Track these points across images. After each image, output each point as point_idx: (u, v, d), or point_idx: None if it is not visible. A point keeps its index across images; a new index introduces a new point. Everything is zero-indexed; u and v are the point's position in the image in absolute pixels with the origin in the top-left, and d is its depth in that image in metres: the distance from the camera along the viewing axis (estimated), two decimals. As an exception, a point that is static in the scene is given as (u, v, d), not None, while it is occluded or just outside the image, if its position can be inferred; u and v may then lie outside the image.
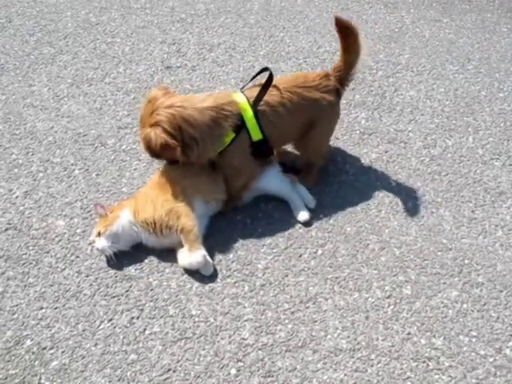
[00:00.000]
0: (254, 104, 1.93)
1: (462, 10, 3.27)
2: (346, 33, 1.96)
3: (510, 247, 2.04)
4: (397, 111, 2.56)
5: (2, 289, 1.88)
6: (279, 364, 1.71)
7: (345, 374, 1.69)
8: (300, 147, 2.19)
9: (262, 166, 2.10)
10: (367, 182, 2.25)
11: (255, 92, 1.96)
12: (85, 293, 1.87)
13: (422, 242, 2.04)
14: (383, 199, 2.18)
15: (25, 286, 1.89)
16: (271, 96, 1.96)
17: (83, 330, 1.78)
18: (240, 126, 1.91)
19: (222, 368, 1.70)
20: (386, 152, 2.37)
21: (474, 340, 1.78)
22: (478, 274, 1.96)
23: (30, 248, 2.00)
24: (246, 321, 1.81)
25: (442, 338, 1.78)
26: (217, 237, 2.02)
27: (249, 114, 1.92)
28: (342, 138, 2.42)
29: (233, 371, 1.69)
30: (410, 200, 2.19)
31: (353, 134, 2.45)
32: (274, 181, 2.12)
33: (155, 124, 1.83)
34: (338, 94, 2.07)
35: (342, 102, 2.49)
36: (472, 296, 1.89)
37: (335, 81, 2.05)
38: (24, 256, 1.97)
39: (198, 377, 1.68)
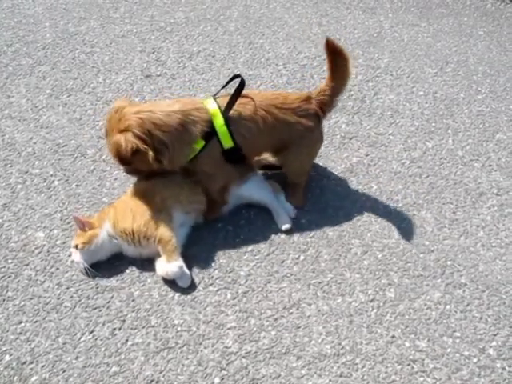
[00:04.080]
0: (225, 111, 1.88)
1: (439, 14, 3.31)
2: (336, 57, 1.92)
3: (491, 247, 2.06)
4: (377, 115, 2.58)
5: (-21, 304, 1.85)
6: (263, 371, 1.69)
7: (329, 380, 1.68)
8: (282, 167, 2.13)
9: (243, 173, 2.10)
10: (348, 186, 2.25)
11: (226, 100, 1.91)
12: (65, 305, 1.84)
13: (404, 245, 2.05)
14: (365, 203, 2.19)
15: (3, 300, 1.86)
16: (245, 109, 1.90)
17: (64, 343, 1.75)
18: (210, 134, 1.87)
19: (205, 377, 1.68)
20: (367, 155, 2.38)
21: (457, 341, 1.78)
22: (460, 275, 1.96)
23: (9, 261, 1.96)
24: (229, 329, 1.79)
25: (426, 340, 1.78)
26: (199, 245, 2.01)
27: (219, 121, 1.87)
28: (323, 142, 2.42)
29: (216, 380, 1.67)
30: (392, 203, 2.19)
31: (333, 138, 2.45)
32: (256, 189, 2.11)
33: (125, 130, 1.79)
34: (318, 118, 2.00)
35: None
36: (455, 297, 1.90)
37: (316, 105, 1.98)
38: (3, 269, 1.94)
39: (181, 387, 1.65)
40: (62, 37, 2.96)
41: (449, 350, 1.76)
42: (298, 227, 2.08)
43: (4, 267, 1.94)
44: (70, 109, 2.54)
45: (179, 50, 2.92)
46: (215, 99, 1.94)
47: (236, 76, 1.99)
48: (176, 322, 1.80)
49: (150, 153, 1.78)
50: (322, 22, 3.16)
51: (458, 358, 1.74)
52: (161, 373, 1.68)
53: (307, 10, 3.28)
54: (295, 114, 1.95)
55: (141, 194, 1.96)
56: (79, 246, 1.85)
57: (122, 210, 1.92)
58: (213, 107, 1.89)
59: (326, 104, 2.00)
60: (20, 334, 1.77)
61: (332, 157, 2.36)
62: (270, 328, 1.80)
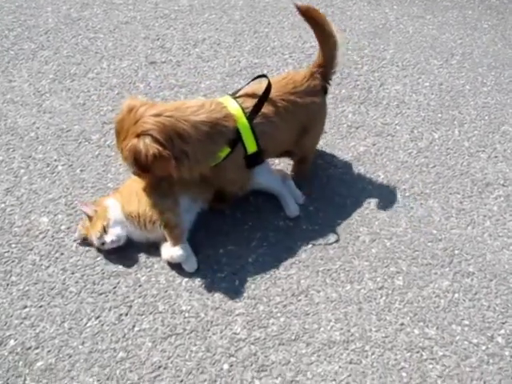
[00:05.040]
0: (251, 117, 1.81)
1: (443, 6, 3.30)
2: (315, 24, 1.90)
3: (498, 237, 2.06)
4: (383, 105, 2.57)
5: (-18, 288, 1.81)
6: (272, 358, 1.68)
7: (339, 366, 1.67)
8: (295, 149, 2.09)
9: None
10: (356, 174, 2.24)
11: (249, 102, 1.83)
12: (70, 290, 1.81)
13: (412, 233, 2.04)
14: (372, 192, 2.17)
15: (7, 284, 1.82)
16: (266, 106, 1.85)
17: (69, 329, 1.72)
18: (235, 140, 1.79)
19: (214, 364, 1.66)
20: (374, 145, 2.37)
21: (466, 329, 1.78)
22: (468, 264, 1.96)
23: (13, 246, 1.93)
24: (237, 315, 1.77)
25: (434, 328, 1.77)
26: (206, 231, 1.99)
27: (245, 126, 1.80)
28: (330, 131, 2.41)
29: (225, 366, 1.65)
30: (399, 192, 2.18)
31: (340, 127, 2.44)
32: (264, 176, 2.08)
33: (142, 133, 1.64)
34: (324, 91, 2.03)
35: (329, 96, 2.49)
36: (463, 286, 1.89)
37: (320, 79, 1.98)
38: (6, 254, 1.90)
39: (190, 373, 1.63)
40: (65, 22, 2.91)
41: (457, 337, 1.76)
42: (305, 215, 2.07)
43: (8, 252, 1.91)
44: (73, 94, 2.51)
45: (184, 37, 2.88)
46: (235, 98, 1.85)
47: (261, 76, 1.92)
48: (184, 308, 1.78)
49: (173, 161, 1.64)
50: (327, 13, 3.14)
51: (466, 346, 1.74)
52: (169, 359, 1.66)
53: (312, 1, 3.25)
54: (307, 94, 1.95)
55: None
56: (105, 224, 1.82)
57: (128, 194, 1.90)
58: (235, 108, 1.80)
59: (327, 73, 2.01)
60: (24, 318, 1.74)
61: (339, 146, 2.35)
62: (278, 314, 1.78)
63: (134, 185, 1.93)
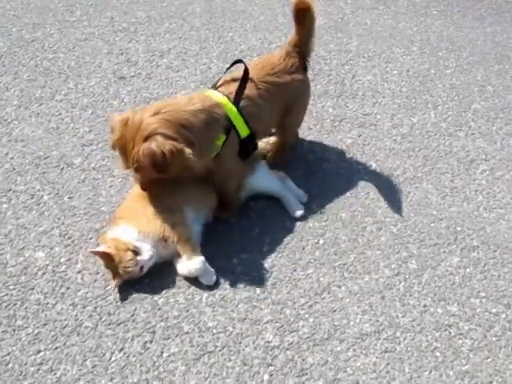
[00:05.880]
0: (236, 100, 1.85)
1: (393, -3, 3.43)
2: (300, 7, 1.95)
3: (492, 209, 2.15)
4: (359, 96, 2.62)
5: (-14, 339, 1.66)
6: (310, 360, 1.65)
7: (376, 357, 1.67)
8: (279, 129, 2.16)
9: (249, 165, 2.05)
10: (349, 166, 2.27)
11: (231, 88, 1.88)
12: (86, 325, 1.70)
13: (414, 217, 2.09)
14: (368, 181, 2.21)
15: (13, 330, 1.68)
16: (248, 89, 1.89)
17: (93, 367, 1.61)
18: (229, 127, 1.82)
19: (253, 376, 1.61)
20: (360, 136, 2.41)
21: (484, 301, 1.85)
22: (471, 239, 2.04)
23: (11, 287, 1.78)
24: (266, 323, 1.73)
25: (455, 304, 1.83)
26: (215, 244, 1.93)
27: (233, 111, 1.84)
28: (315, 127, 2.43)
29: (266, 377, 1.61)
30: (394, 178, 2.23)
31: (324, 122, 2.46)
32: (263, 180, 2.06)
33: (150, 135, 1.63)
34: (304, 68, 2.06)
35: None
36: (472, 259, 1.97)
37: (298, 57, 2.02)
38: (5, 297, 1.75)
39: (231, 390, 1.58)
40: (18, 44, 2.73)
41: (478, 310, 1.82)
42: (310, 213, 2.06)
43: (7, 295, 1.76)
44: (44, 119, 2.35)
45: (148, 49, 2.80)
46: (216, 89, 1.89)
47: (237, 61, 1.96)
48: (210, 324, 1.72)
49: (187, 150, 1.64)
50: (286, 12, 3.16)
51: (488, 317, 1.80)
52: (206, 379, 1.59)
53: (269, 1, 3.27)
54: (287, 73, 1.98)
55: (146, 196, 1.85)
56: (131, 247, 1.70)
57: (133, 216, 1.81)
58: (220, 97, 1.83)
59: (305, 52, 2.04)
60: (41, 364, 1.61)
61: (327, 141, 2.37)
62: (306, 316, 1.76)
63: (135, 205, 1.84)
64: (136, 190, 1.90)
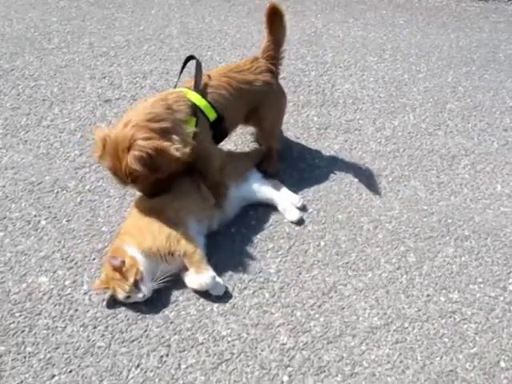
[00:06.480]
0: (196, 87, 1.94)
1: (360, 10, 3.59)
2: (272, 14, 2.07)
3: (478, 200, 2.26)
4: (340, 104, 2.72)
5: (-4, 369, 1.62)
6: (326, 358, 1.68)
7: (389, 349, 1.72)
8: (257, 132, 2.28)
9: (241, 173, 2.10)
10: (339, 170, 2.34)
11: (190, 82, 1.99)
12: (99, 345, 1.68)
13: (407, 213, 2.17)
14: (359, 183, 2.28)
15: (24, 357, 1.64)
16: (210, 81, 2.00)
17: (111, 385, 1.59)
18: (195, 110, 1.89)
19: (273, 379, 1.62)
20: (346, 141, 2.50)
21: (482, 286, 1.93)
22: (462, 229, 2.13)
23: (17, 315, 1.74)
24: (278, 326, 1.76)
25: (456, 292, 1.90)
26: (218, 253, 1.95)
27: (195, 97, 1.92)
28: (302, 136, 2.50)
29: (285, 378, 1.63)
30: (382, 178, 2.32)
31: (310, 131, 2.54)
32: (257, 187, 2.11)
33: (131, 144, 1.71)
34: (272, 73, 2.14)
35: (290, 104, 2.60)
36: (465, 248, 2.05)
37: (265, 61, 2.13)
38: (12, 325, 1.71)
39: (253, 395, 1.59)
40: (-2, 74, 2.72)
41: (478, 295, 1.90)
42: (308, 217, 2.12)
43: (13, 322, 1.72)
44: (32, 145, 2.34)
45: (130, 71, 2.83)
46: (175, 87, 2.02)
47: (189, 58, 2.08)
48: (224, 332, 1.73)
49: (165, 143, 1.73)
50: (260, 29, 3.25)
51: (487, 300, 1.88)
52: (226, 387, 1.60)
53: (243, 20, 3.37)
54: (251, 72, 2.09)
55: (149, 211, 1.86)
56: (138, 277, 1.70)
57: (138, 232, 1.81)
58: (181, 89, 1.94)
59: (274, 57, 2.15)
60: (56, 388, 1.58)
61: (315, 148, 2.44)
62: (317, 315, 1.80)
63: (139, 221, 1.85)
64: (139, 208, 1.90)
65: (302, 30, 3.30)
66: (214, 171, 2.02)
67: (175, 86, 2.05)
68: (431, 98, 2.81)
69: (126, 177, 1.76)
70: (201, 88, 1.95)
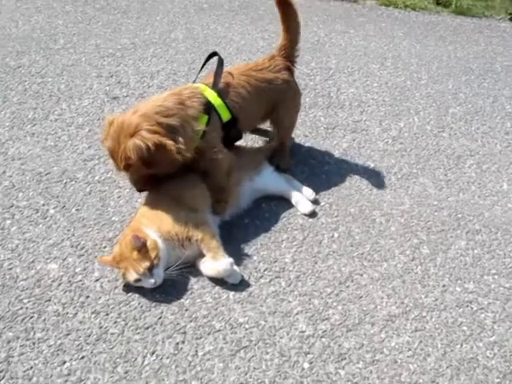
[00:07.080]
0: (214, 85, 1.92)
1: (360, 22, 3.69)
2: (286, 9, 2.07)
3: (486, 197, 2.28)
4: (347, 106, 2.75)
5: (4, 354, 1.54)
6: (346, 345, 1.65)
7: (408, 336, 1.69)
8: (275, 128, 2.24)
9: (254, 166, 2.09)
10: (349, 167, 2.35)
11: (210, 78, 1.97)
12: (112, 332, 1.62)
13: (418, 208, 2.18)
14: (369, 179, 2.29)
15: (33, 343, 1.57)
16: (229, 79, 1.99)
17: (126, 372, 1.52)
18: (209, 108, 1.87)
19: (293, 366, 1.58)
20: (354, 140, 2.52)
21: (496, 277, 1.92)
22: (473, 224, 2.14)
23: (25, 301, 1.68)
24: (296, 314, 1.72)
25: (471, 282, 1.89)
26: (233, 243, 1.92)
27: (212, 95, 1.90)
28: (310, 134, 2.52)
29: (306, 365, 1.58)
30: (392, 175, 2.33)
31: (318, 130, 2.56)
32: (270, 180, 2.11)
33: (135, 131, 1.69)
34: (289, 71, 2.16)
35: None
36: (477, 242, 2.06)
37: (283, 60, 2.14)
38: (20, 311, 1.65)
39: (274, 382, 1.53)
40: (4, 71, 2.70)
41: (493, 285, 1.89)
42: (321, 210, 2.11)
43: (21, 308, 1.66)
44: (40, 138, 2.31)
45: (137, 71, 2.84)
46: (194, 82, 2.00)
47: (213, 54, 2.08)
48: (241, 320, 1.68)
49: (169, 142, 1.69)
50: (264, 36, 3.33)
51: (503, 291, 1.88)
52: (246, 374, 1.55)
53: (247, 28, 3.43)
54: (269, 71, 2.09)
55: (166, 198, 1.84)
56: (155, 262, 1.66)
57: (156, 217, 1.78)
58: (198, 85, 1.92)
59: (290, 55, 2.17)
60: (68, 375, 1.51)
61: (324, 145, 2.45)
62: (335, 304, 1.77)
63: (156, 207, 1.82)
64: (153, 197, 1.88)
65: (305, 39, 3.33)
66: (220, 175, 1.95)
67: (194, 81, 2.04)
68: (434, 102, 2.87)
69: (120, 161, 1.74)
70: (219, 86, 1.93)
